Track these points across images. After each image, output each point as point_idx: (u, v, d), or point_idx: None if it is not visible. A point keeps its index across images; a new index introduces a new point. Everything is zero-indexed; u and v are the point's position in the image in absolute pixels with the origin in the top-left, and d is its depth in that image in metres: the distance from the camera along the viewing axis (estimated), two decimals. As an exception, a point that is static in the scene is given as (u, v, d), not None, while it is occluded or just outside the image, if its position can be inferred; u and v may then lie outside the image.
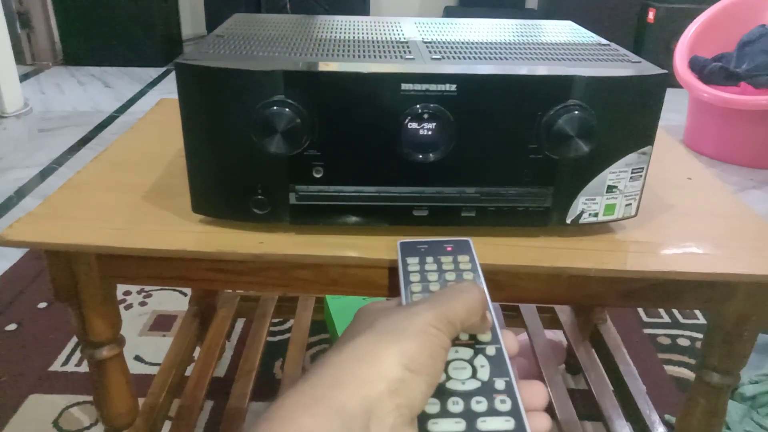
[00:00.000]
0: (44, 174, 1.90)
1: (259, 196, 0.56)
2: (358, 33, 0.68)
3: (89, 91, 2.81)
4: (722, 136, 2.44)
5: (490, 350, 0.39)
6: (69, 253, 0.58)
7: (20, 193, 1.77)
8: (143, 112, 0.85)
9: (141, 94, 2.85)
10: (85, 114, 2.46)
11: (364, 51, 0.59)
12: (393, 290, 0.57)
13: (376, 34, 0.68)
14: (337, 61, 0.56)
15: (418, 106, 0.53)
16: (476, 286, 0.39)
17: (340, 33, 0.68)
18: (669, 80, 0.55)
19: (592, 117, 0.53)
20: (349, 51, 0.59)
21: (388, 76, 0.52)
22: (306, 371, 0.33)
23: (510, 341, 0.40)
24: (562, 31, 0.73)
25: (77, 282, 0.59)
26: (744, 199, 2.18)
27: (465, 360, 0.38)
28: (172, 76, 3.20)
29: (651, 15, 3.27)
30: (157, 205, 0.63)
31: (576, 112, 0.53)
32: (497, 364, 0.37)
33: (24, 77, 2.97)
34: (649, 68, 0.56)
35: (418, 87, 0.52)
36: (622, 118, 0.55)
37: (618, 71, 0.55)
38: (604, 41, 0.66)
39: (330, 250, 0.56)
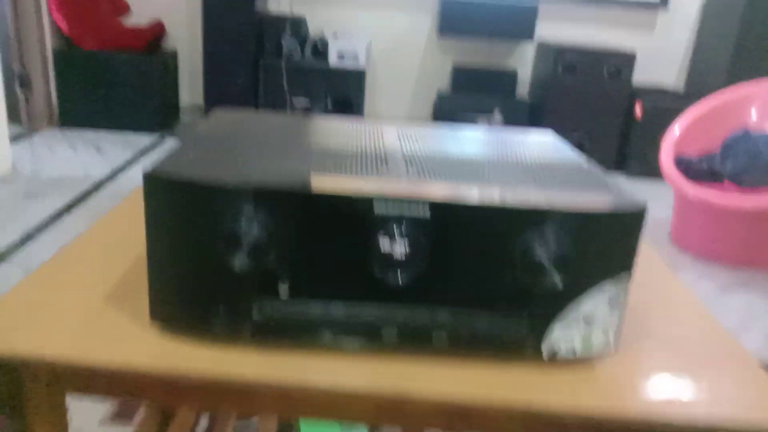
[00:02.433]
0: (24, 240, 1.86)
1: (220, 310, 0.54)
2: (339, 139, 0.68)
3: (81, 156, 2.82)
4: (707, 234, 2.46)
5: None
6: (15, 363, 0.54)
7: (-5, 260, 1.73)
8: (132, 181, 0.84)
9: (133, 161, 2.86)
10: (73, 180, 2.45)
11: (344, 161, 0.59)
12: (361, 415, 0.54)
13: (358, 140, 0.68)
14: (313, 172, 0.55)
15: (391, 227, 0.51)
16: None
17: (320, 138, 0.67)
18: (644, 217, 0.54)
19: (567, 248, 0.52)
20: (326, 160, 0.59)
21: (362, 197, 0.51)
22: None
23: None
24: (543, 145, 0.73)
25: (21, 391, 0.56)
26: (728, 300, 2.17)
27: None
28: (165, 144, 3.22)
29: (638, 110, 3.37)
30: (117, 307, 0.60)
31: (550, 243, 0.51)
32: None
33: (17, 138, 2.99)
34: (627, 202, 0.55)
35: (392, 208, 0.51)
36: (599, 250, 0.53)
37: (595, 203, 0.54)
38: (584, 162, 0.66)
39: (294, 372, 0.53)
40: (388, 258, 0.52)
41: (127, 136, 3.26)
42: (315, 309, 0.54)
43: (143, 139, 3.24)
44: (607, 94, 3.32)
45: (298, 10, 3.45)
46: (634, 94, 3.37)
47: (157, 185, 0.52)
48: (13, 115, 3.19)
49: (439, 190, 0.54)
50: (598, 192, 0.57)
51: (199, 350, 0.54)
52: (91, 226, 0.79)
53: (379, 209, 0.51)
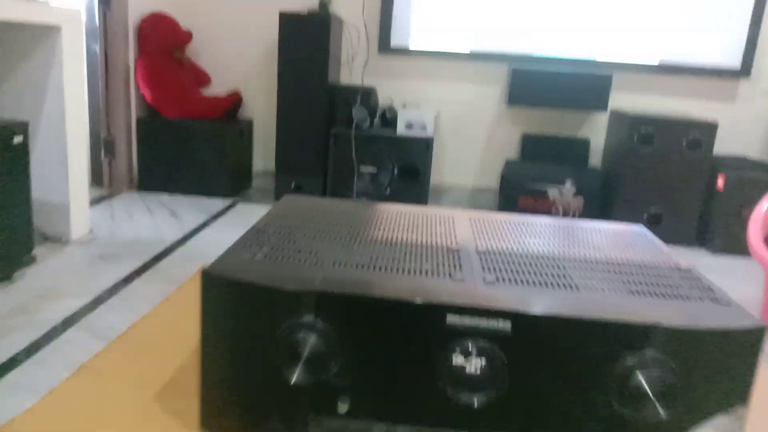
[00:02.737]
0: (94, 304, 1.90)
1: (275, 425, 0.49)
2: (411, 232, 0.63)
3: (156, 219, 2.91)
4: (806, 320, 2.23)
5: None
6: (58, 466, 0.51)
7: (67, 323, 1.76)
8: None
9: (204, 225, 2.93)
10: (147, 242, 2.52)
11: (411, 260, 0.54)
12: None
13: (428, 233, 0.63)
14: (377, 275, 0.51)
15: (466, 341, 0.46)
16: None
17: (391, 231, 0.63)
18: (764, 336, 0.46)
19: (673, 374, 0.44)
20: (394, 259, 0.54)
21: (433, 307, 0.46)
22: None
23: None
24: (634, 242, 0.66)
25: (63, 498, 0.52)
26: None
27: None
28: (238, 208, 3.30)
29: (720, 182, 3.19)
30: (167, 409, 0.56)
31: (654, 368, 0.44)
32: None
33: (98, 200, 3.13)
34: (741, 317, 0.48)
35: (467, 320, 0.46)
36: (710, 376, 0.46)
37: (703, 319, 0.47)
38: (683, 265, 0.59)
39: (349, 500, 0.47)
40: (462, 376, 0.46)
41: (201, 200, 3.36)
42: (378, 431, 0.48)
43: (216, 204, 3.33)
44: (687, 165, 3.17)
45: (369, 81, 3.53)
46: (716, 165, 3.20)
47: (214, 284, 0.49)
48: (96, 179, 3.37)
49: (521, 302, 0.48)
50: (707, 305, 0.50)
51: (250, 467, 0.49)
52: (151, 308, 0.77)
53: (452, 321, 0.46)
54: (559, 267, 0.56)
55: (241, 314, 0.48)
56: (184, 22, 3.53)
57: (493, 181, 3.66)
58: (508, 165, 3.40)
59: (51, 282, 1.96)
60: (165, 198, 3.34)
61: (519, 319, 0.45)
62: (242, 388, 0.49)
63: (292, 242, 0.57)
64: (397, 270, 0.52)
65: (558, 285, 0.51)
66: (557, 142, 3.45)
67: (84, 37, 2.35)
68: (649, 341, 0.45)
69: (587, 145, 3.44)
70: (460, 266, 0.54)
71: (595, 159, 3.55)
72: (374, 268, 0.52)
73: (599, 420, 0.47)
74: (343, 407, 0.48)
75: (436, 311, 0.46)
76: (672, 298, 0.50)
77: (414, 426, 0.48)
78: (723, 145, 3.49)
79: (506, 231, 0.66)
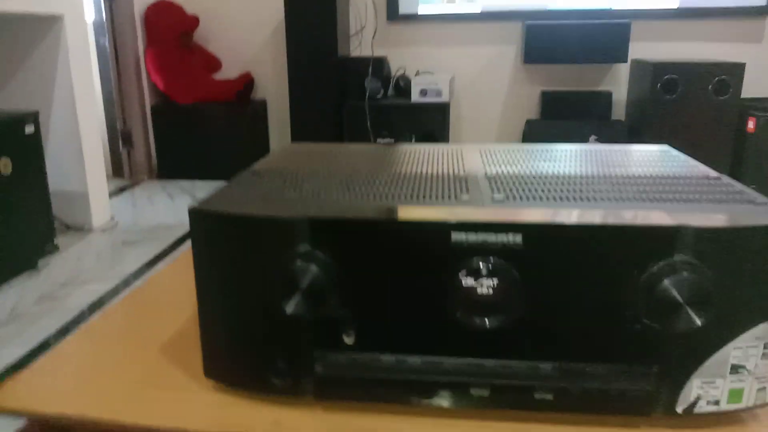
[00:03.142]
0: (120, 288, 1.91)
1: (279, 365, 0.46)
2: (415, 165, 0.60)
3: (177, 204, 2.92)
4: None
5: None
6: (63, 424, 0.49)
7: (93, 308, 1.77)
8: None
9: (224, 207, 2.93)
10: (169, 227, 2.53)
11: (414, 189, 0.50)
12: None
13: (434, 166, 0.59)
14: (378, 203, 0.47)
15: (474, 259, 0.42)
16: None
17: (395, 166, 0.60)
18: (812, 229, 0.42)
19: (707, 279, 0.40)
20: (397, 189, 0.50)
21: (433, 225, 0.42)
22: None
23: None
24: (658, 159, 0.62)
25: (69, 456, 0.50)
26: None
27: None
28: (256, 189, 3.30)
29: (751, 124, 3.07)
30: (173, 362, 0.54)
31: (685, 273, 0.40)
32: None
33: (120, 191, 3.15)
34: (781, 213, 0.43)
35: (472, 237, 0.42)
36: (748, 280, 0.41)
37: (738, 218, 0.42)
38: (713, 173, 0.54)
39: (362, 438, 0.44)
40: (473, 298, 0.42)
41: (221, 183, 3.37)
42: (387, 362, 0.45)
43: (235, 186, 3.33)
44: (715, 110, 3.05)
45: (380, 52, 3.46)
46: (745, 108, 3.08)
47: (203, 220, 0.46)
48: (117, 171, 3.39)
49: (533, 214, 0.44)
50: (741, 206, 0.45)
51: (257, 410, 0.47)
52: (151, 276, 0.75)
53: (457, 238, 0.42)
54: (575, 184, 0.51)
55: (233, 251, 0.45)
56: (190, 8, 3.50)
57: (514, 141, 3.58)
58: (529, 125, 3.32)
59: (76, 269, 1.97)
60: (185, 184, 3.35)
61: (530, 230, 0.41)
62: (242, 330, 0.47)
63: (290, 180, 0.54)
64: (398, 197, 0.48)
65: (574, 198, 0.47)
66: (578, 98, 3.35)
67: (88, 25, 2.34)
68: (678, 245, 0.40)
69: (609, 98, 3.34)
70: (467, 189, 0.50)
71: (619, 112, 3.44)
72: (373, 196, 0.49)
73: (628, 339, 0.43)
74: (348, 340, 0.45)
75: (439, 230, 0.42)
76: (702, 203, 0.46)
77: (425, 356, 0.45)
78: (752, 88, 3.35)
79: (519, 158, 0.62)
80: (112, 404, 0.48)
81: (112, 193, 2.99)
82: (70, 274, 1.93)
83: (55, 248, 1.87)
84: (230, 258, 0.45)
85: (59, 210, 2.01)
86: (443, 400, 0.45)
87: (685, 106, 3.06)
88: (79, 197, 2.09)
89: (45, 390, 0.50)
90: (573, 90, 3.40)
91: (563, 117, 3.33)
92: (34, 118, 1.83)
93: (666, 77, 3.02)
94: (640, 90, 3.21)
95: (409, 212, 0.44)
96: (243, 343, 0.47)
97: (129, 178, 3.39)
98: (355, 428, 0.45)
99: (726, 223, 0.41)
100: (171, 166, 3.41)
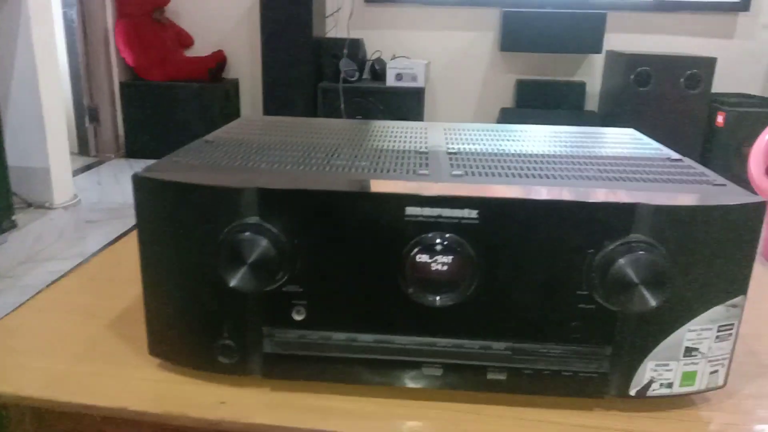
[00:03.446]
0: (81, 265, 1.87)
1: (225, 342, 0.44)
2: (375, 141, 0.58)
3: (144, 184, 2.86)
4: (809, 251, 2.19)
5: None
6: (-4, 400, 0.47)
7: (53, 287, 1.73)
8: None
9: (194, 187, 2.87)
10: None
11: (373, 163, 0.49)
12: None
13: (396, 142, 0.58)
14: (333, 175, 0.45)
15: (428, 235, 0.41)
16: None
17: (353, 140, 0.58)
18: (764, 213, 0.41)
19: (663, 259, 0.39)
20: (355, 162, 0.49)
21: (390, 197, 0.41)
22: None
23: None
24: (622, 141, 0.61)
25: (4, 434, 0.48)
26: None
27: None
28: (227, 170, 3.25)
29: (720, 119, 3.12)
30: (118, 336, 0.52)
31: (641, 252, 0.39)
32: None
33: (86, 168, 3.07)
34: (738, 195, 0.42)
35: (428, 212, 0.40)
36: (704, 261, 0.41)
37: (697, 198, 0.41)
38: (674, 155, 0.53)
39: (310, 418, 0.42)
40: (426, 275, 0.41)
41: (190, 164, 3.30)
42: (338, 340, 0.44)
43: (205, 167, 3.27)
44: (686, 103, 3.09)
45: (356, 34, 3.42)
46: (715, 102, 3.12)
47: (147, 188, 0.44)
48: (82, 147, 3.30)
49: (490, 190, 0.43)
50: (701, 187, 0.44)
51: (202, 389, 0.45)
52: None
53: (412, 212, 0.40)
54: (537, 162, 0.50)
55: (178, 221, 0.43)
56: (162, -19, 3.40)
57: (487, 131, 3.58)
58: (504, 113, 3.32)
59: (35, 246, 1.91)
60: (153, 162, 3.28)
61: (487, 206, 0.40)
62: (187, 305, 0.45)
63: (244, 150, 0.51)
64: (354, 170, 0.47)
65: (534, 176, 0.46)
66: (553, 87, 3.36)
67: (53, -5, 2.26)
68: (635, 224, 0.40)
69: (583, 89, 3.35)
70: (427, 164, 0.49)
71: (592, 103, 3.47)
72: (328, 169, 0.47)
73: (582, 317, 0.42)
74: (298, 317, 0.43)
75: (393, 203, 0.40)
76: (661, 182, 0.45)
77: (377, 334, 0.43)
78: (722, 83, 3.40)
79: (482, 137, 0.61)
80: (49, 382, 0.46)
81: (77, 171, 2.91)
82: (29, 252, 1.87)
83: (13, 225, 1.81)
84: (175, 229, 0.43)
85: (19, 186, 1.95)
86: (395, 380, 0.44)
87: (657, 98, 3.09)
88: (41, 173, 2.02)
89: (-22, 365, 0.47)
90: (548, 79, 3.41)
91: (537, 106, 3.34)
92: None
93: (639, 69, 3.05)
94: (614, 81, 3.23)
95: (363, 185, 0.42)
96: (188, 319, 0.45)
97: (95, 155, 3.31)
98: (304, 407, 0.43)
99: (684, 201, 0.40)
100: (139, 144, 3.33)
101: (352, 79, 3.15)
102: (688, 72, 3.08)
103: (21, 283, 1.72)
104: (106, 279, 0.64)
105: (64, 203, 2.07)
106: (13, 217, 1.83)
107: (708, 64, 3.06)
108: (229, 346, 0.44)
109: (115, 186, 2.77)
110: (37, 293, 0.61)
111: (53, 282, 0.63)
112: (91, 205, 2.37)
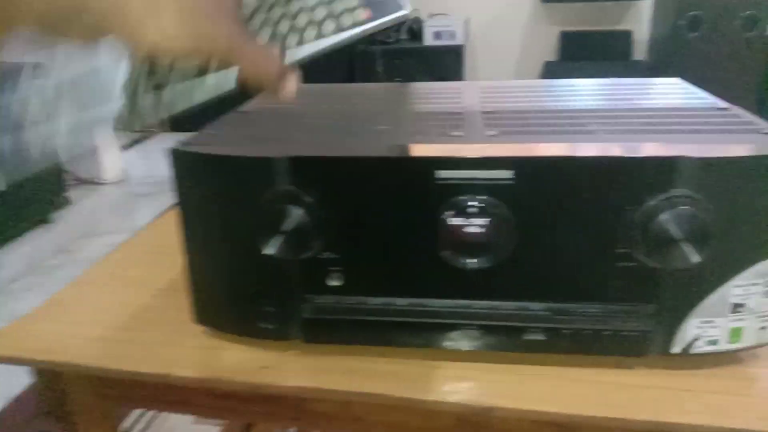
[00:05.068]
0: (135, 239, 1.94)
1: (266, 309, 0.45)
2: (409, 104, 0.57)
3: (190, 156, 2.92)
4: None
5: None
6: (57, 370, 0.49)
7: (109, 259, 1.81)
8: None
9: (237, 157, 2.92)
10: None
11: (405, 128, 0.48)
12: (436, 432, 0.44)
13: (431, 104, 0.57)
14: (365, 141, 0.45)
15: (462, 198, 0.40)
16: None
17: (387, 105, 0.57)
18: (822, 160, 0.39)
19: (707, 213, 0.38)
20: (388, 127, 0.48)
21: (419, 161, 0.40)
22: None
23: None
24: (668, 92, 0.58)
25: (67, 401, 0.51)
26: None
27: None
28: (269, 139, 3.28)
29: (779, 62, 2.94)
30: (166, 305, 0.54)
31: (683, 207, 0.38)
32: None
33: (132, 144, 3.15)
34: (790, 144, 0.40)
35: (461, 174, 0.40)
36: (750, 214, 0.39)
37: (742, 148, 0.40)
38: (721, 104, 0.51)
39: (350, 381, 0.43)
40: (461, 238, 0.41)
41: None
42: (374, 304, 0.44)
43: (248, 136, 3.31)
44: (741, 46, 2.93)
45: (392, -7, 3.36)
46: (774, 44, 2.94)
47: (183, 162, 0.44)
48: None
49: (526, 149, 0.42)
50: (748, 136, 0.42)
51: (246, 354, 0.46)
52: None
53: (443, 176, 0.40)
54: (576, 118, 0.49)
55: (216, 193, 0.44)
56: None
57: (530, 87, 3.49)
58: (548, 66, 3.23)
59: (89, 222, 1.99)
60: (198, 135, 3.34)
61: (522, 165, 0.39)
62: (228, 275, 0.46)
63: (279, 120, 0.52)
64: (387, 135, 0.46)
65: (572, 132, 0.45)
66: (598, 37, 3.23)
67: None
68: (677, 178, 0.38)
69: (629, 38, 3.22)
70: (461, 125, 0.48)
71: (640, 52, 3.32)
72: (362, 135, 0.47)
73: (623, 277, 0.41)
74: (335, 283, 0.44)
75: (425, 166, 0.40)
76: (705, 133, 0.43)
77: (413, 297, 0.43)
78: (781, 22, 3.19)
79: (521, 94, 0.59)
80: (103, 351, 0.48)
81: (125, 147, 2.99)
82: (83, 227, 1.95)
83: (66, 201, 1.88)
84: (212, 200, 0.44)
85: (70, 163, 2.02)
86: (432, 342, 0.44)
87: (710, 43, 2.94)
88: (90, 150, 2.09)
89: (35, 338, 0.50)
90: (593, 30, 3.28)
91: (582, 58, 3.22)
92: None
93: (690, 13, 2.89)
94: (663, 27, 3.08)
95: (394, 150, 0.42)
96: (229, 288, 0.46)
97: (140, 131, 3.39)
98: (343, 370, 0.44)
99: (727, 153, 0.38)
100: (184, 118, 3.39)
101: (389, 40, 3.11)
102: (744, 12, 2.91)
103: (79, 256, 1.79)
104: (156, 250, 0.66)
105: (113, 178, 2.14)
106: (66, 194, 1.90)
107: (765, 3, 2.88)
108: (270, 312, 0.45)
109: (163, 160, 2.83)
110: (90, 267, 0.63)
111: (105, 255, 0.65)
112: (139, 179, 2.44)
